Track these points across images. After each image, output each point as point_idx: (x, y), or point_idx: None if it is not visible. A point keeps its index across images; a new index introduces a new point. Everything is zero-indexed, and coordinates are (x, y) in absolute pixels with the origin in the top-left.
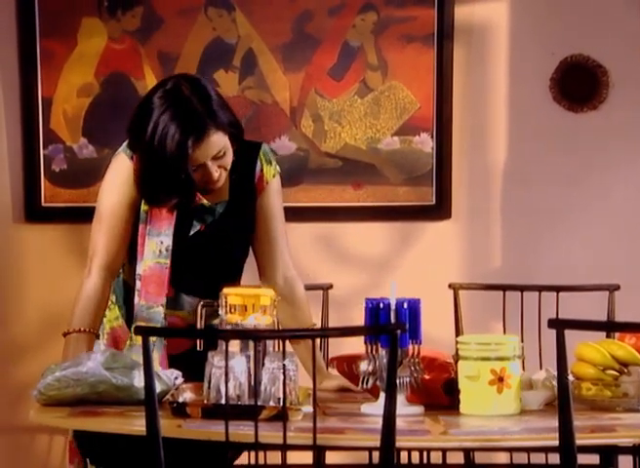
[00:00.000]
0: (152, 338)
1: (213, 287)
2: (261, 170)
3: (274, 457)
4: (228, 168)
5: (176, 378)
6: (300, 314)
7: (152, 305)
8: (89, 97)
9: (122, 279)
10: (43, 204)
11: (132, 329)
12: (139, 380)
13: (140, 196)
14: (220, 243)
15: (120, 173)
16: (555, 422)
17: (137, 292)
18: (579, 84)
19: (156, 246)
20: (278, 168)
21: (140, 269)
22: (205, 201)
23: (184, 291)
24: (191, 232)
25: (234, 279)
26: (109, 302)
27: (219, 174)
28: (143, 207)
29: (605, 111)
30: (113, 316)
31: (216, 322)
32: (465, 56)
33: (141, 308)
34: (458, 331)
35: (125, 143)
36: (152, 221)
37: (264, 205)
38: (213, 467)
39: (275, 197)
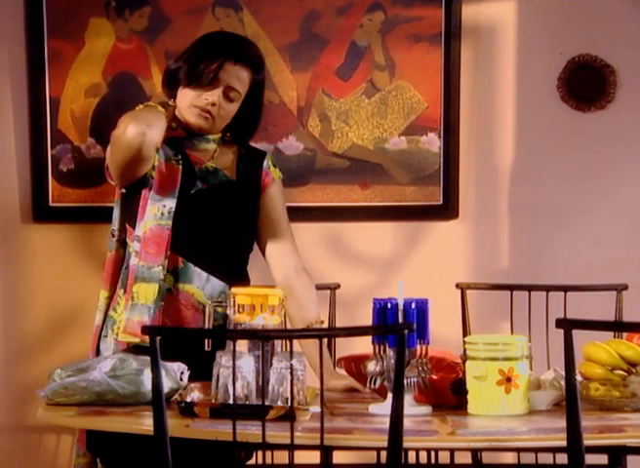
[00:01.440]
0: (148, 299)
1: (220, 260)
2: (268, 168)
3: (281, 457)
4: (218, 122)
5: (182, 373)
6: (309, 305)
7: (152, 265)
8: (96, 97)
9: (129, 266)
10: (51, 204)
11: (133, 288)
12: (147, 383)
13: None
14: (222, 205)
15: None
16: (563, 422)
17: (134, 254)
18: (586, 83)
19: (158, 209)
20: (280, 175)
21: (139, 231)
22: (209, 163)
23: (192, 259)
24: (192, 190)
25: (241, 258)
26: (117, 297)
27: (212, 106)
28: (151, 172)
29: (613, 111)
30: (122, 308)
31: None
32: (473, 55)
33: (141, 269)
34: (465, 331)
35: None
36: (156, 187)
37: (271, 199)
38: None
39: (280, 195)
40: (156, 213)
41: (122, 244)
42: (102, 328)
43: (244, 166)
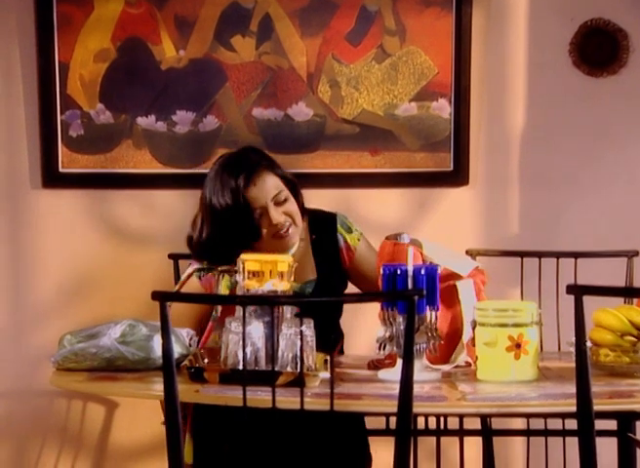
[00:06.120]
0: None
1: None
2: (345, 241)
3: None
4: (297, 220)
5: (191, 339)
6: None
7: None
8: (105, 62)
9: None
10: (60, 170)
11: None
12: (157, 349)
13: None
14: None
15: (191, 289)
16: (573, 388)
17: None
18: (598, 48)
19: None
20: (359, 229)
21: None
22: (293, 283)
23: None
24: None
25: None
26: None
27: (284, 219)
28: (214, 313)
29: (625, 75)
30: None
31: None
32: (484, 20)
33: None
34: None
35: (196, 265)
36: (220, 321)
37: (361, 264)
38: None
39: (367, 253)
40: (217, 341)
41: None
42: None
43: (321, 256)
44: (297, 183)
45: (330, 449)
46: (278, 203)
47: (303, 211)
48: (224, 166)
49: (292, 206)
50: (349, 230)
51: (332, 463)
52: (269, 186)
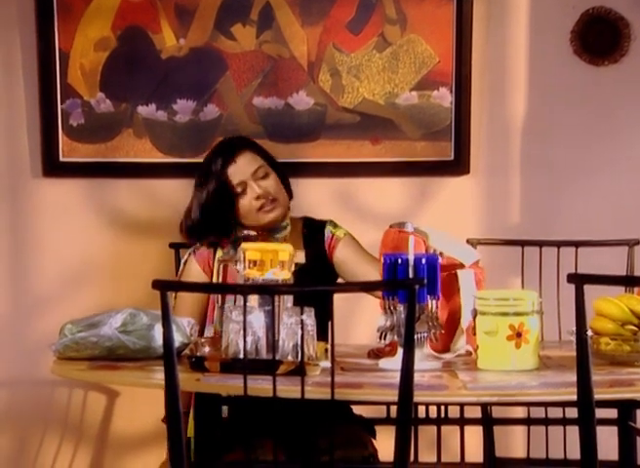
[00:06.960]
0: None
1: None
2: (331, 232)
3: None
4: (280, 197)
5: (191, 328)
6: None
7: None
8: (106, 51)
9: None
10: (61, 158)
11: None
12: (158, 338)
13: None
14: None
15: (193, 271)
16: (573, 377)
17: None
18: (600, 37)
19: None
20: (347, 231)
21: (208, 333)
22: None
23: None
24: None
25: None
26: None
27: (262, 191)
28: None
29: (627, 64)
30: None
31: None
32: (485, 8)
33: None
34: None
35: (193, 247)
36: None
37: (343, 256)
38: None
39: (351, 247)
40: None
41: None
42: None
43: (310, 245)
44: (283, 169)
45: (332, 419)
46: (258, 178)
47: (289, 192)
48: (210, 154)
49: (272, 182)
50: (336, 227)
51: (335, 430)
52: (248, 162)
